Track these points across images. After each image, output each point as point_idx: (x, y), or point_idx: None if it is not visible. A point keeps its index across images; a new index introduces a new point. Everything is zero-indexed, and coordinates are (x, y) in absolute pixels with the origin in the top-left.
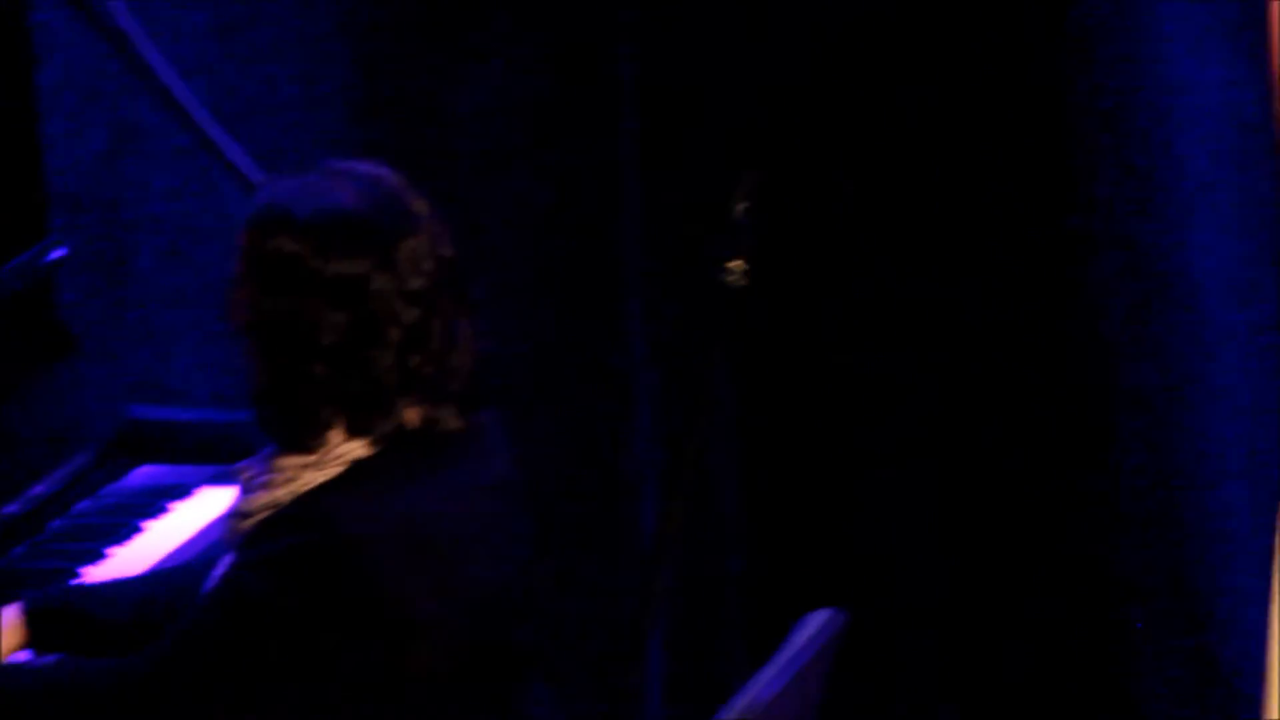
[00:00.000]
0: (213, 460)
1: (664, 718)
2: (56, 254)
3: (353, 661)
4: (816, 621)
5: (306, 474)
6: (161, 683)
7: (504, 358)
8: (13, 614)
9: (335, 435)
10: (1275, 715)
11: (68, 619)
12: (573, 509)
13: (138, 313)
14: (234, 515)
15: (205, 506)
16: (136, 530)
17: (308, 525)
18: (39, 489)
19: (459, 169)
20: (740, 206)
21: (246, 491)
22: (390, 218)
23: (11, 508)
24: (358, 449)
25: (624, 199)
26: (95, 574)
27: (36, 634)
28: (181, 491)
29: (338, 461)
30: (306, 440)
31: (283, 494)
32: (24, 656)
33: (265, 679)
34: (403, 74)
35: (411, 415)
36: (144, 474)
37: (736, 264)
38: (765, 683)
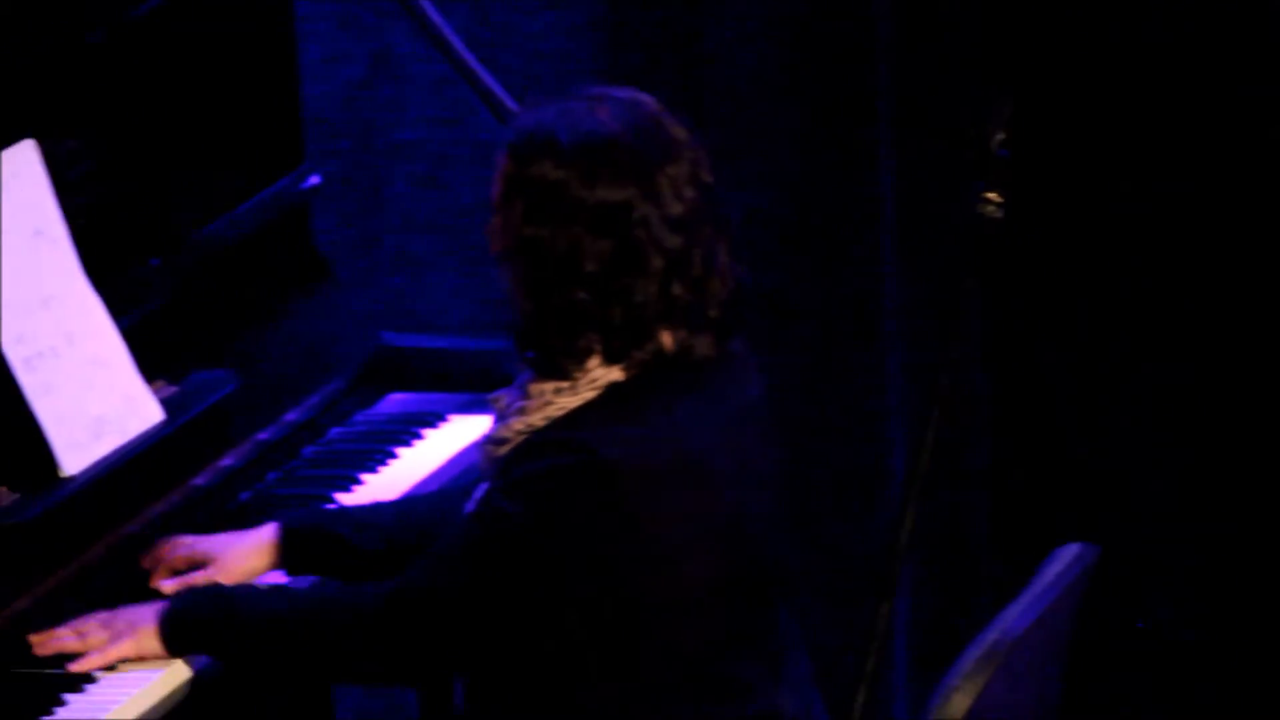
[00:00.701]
0: (464, 388)
1: (911, 653)
2: (312, 181)
3: (606, 584)
4: (1066, 556)
5: (561, 399)
6: (419, 606)
7: (757, 287)
8: (268, 534)
9: (591, 361)
10: None
11: (321, 541)
12: (820, 443)
13: (392, 239)
14: (489, 442)
15: (457, 434)
16: (389, 457)
17: (564, 449)
18: (293, 415)
19: (712, 97)
20: (997, 136)
21: (502, 418)
22: (652, 144)
23: (266, 434)
24: (613, 374)
25: (879, 128)
26: (348, 500)
27: (289, 555)
28: (433, 419)
29: (592, 386)
30: (565, 367)
31: (538, 419)
32: (277, 576)
33: (520, 601)
34: (656, 1)
35: (667, 341)
36: (396, 401)
37: (992, 196)
38: (1014, 618)
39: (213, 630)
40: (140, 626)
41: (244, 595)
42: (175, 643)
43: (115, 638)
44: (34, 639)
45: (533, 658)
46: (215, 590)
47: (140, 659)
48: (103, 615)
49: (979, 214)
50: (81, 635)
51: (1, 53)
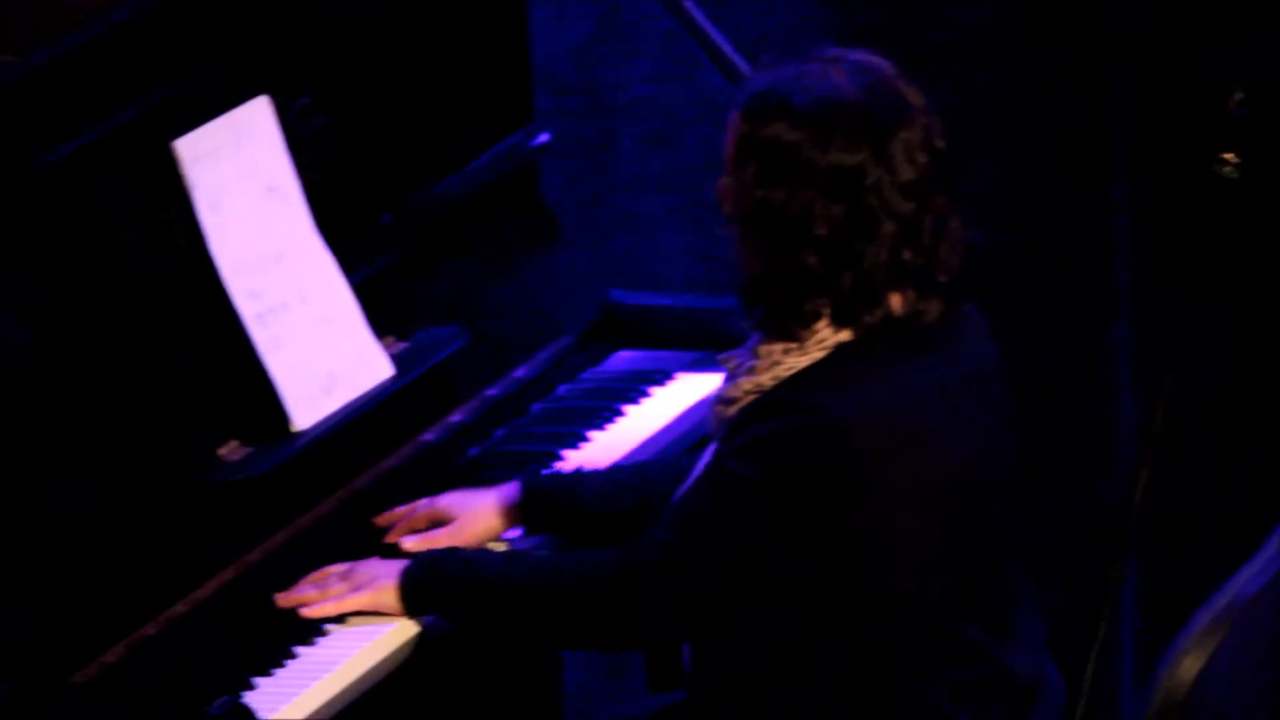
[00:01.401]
0: (691, 346)
1: (1137, 617)
2: (541, 139)
3: (838, 543)
4: None
5: (789, 359)
6: (655, 571)
7: (986, 252)
8: (510, 493)
9: (820, 323)
10: None
11: (561, 503)
12: (1049, 409)
13: (619, 197)
14: (718, 401)
15: (683, 392)
16: (617, 414)
17: (794, 409)
18: (521, 372)
19: (939, 59)
20: (1236, 95)
21: (732, 378)
22: (887, 108)
23: (494, 390)
24: (842, 335)
25: (1109, 88)
26: (574, 458)
27: (529, 515)
28: (660, 377)
29: (821, 346)
30: (794, 329)
31: (766, 379)
32: (515, 534)
33: (755, 563)
34: None
35: (897, 305)
36: (623, 358)
37: (1229, 156)
38: (1246, 580)
39: (453, 591)
40: (380, 581)
41: (483, 559)
42: (413, 600)
43: (354, 589)
44: (279, 596)
45: (763, 618)
46: (456, 552)
47: (375, 613)
48: (342, 567)
49: (1215, 174)
50: (321, 587)
51: (236, 12)
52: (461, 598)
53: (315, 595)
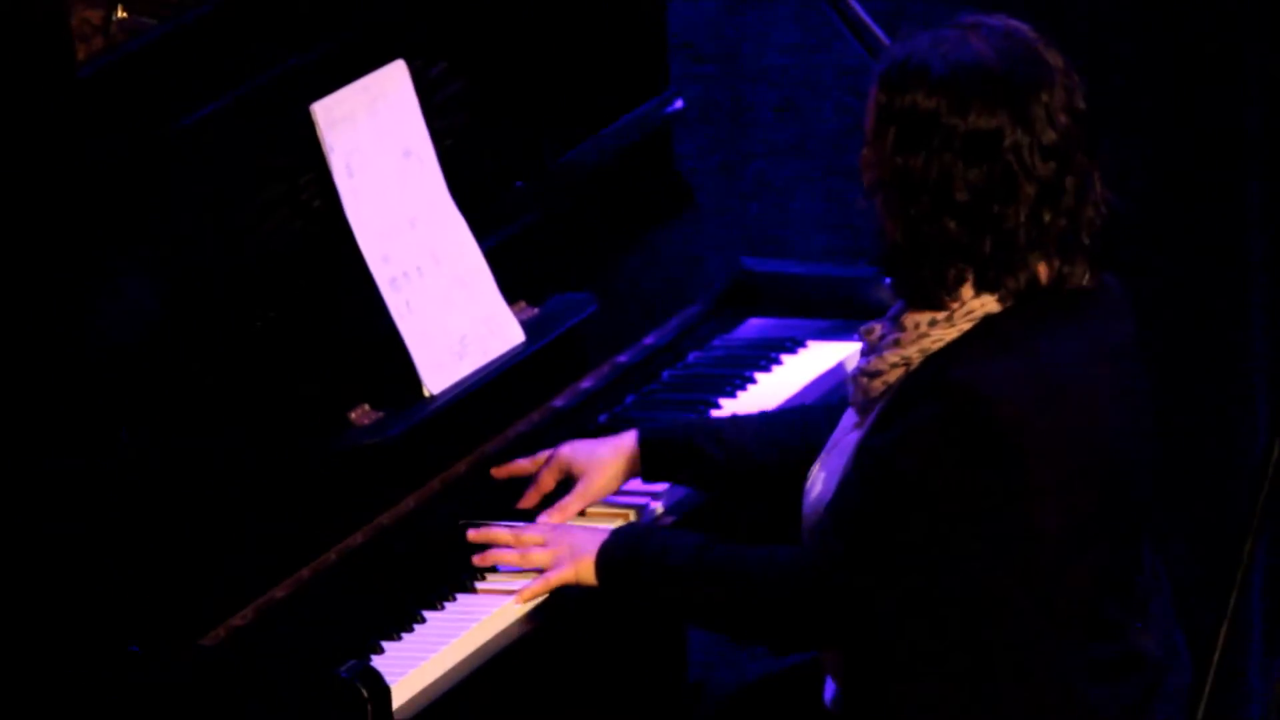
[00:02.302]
0: (822, 314)
1: (1267, 597)
2: (676, 105)
3: (996, 523)
4: None
5: (936, 331)
6: (839, 584)
7: (1129, 216)
8: (629, 440)
9: (965, 291)
10: None
11: (678, 450)
12: (1181, 383)
13: (754, 165)
14: (862, 374)
15: (815, 360)
16: (748, 381)
17: (946, 392)
18: (651, 339)
19: (1079, 27)
20: None
21: (874, 350)
22: (1025, 71)
23: (624, 357)
24: (988, 304)
25: (1246, 65)
26: None
27: (648, 463)
28: (792, 345)
29: (968, 318)
30: (937, 297)
31: (913, 351)
32: (635, 483)
33: (925, 554)
34: None
35: (1042, 270)
36: (754, 326)
37: None
38: None
39: (648, 574)
40: (581, 556)
41: (677, 544)
42: (609, 578)
43: (557, 563)
44: (473, 534)
45: (930, 605)
46: (652, 535)
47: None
48: (544, 531)
49: None
50: (523, 550)
51: None
52: (653, 582)
53: (516, 557)
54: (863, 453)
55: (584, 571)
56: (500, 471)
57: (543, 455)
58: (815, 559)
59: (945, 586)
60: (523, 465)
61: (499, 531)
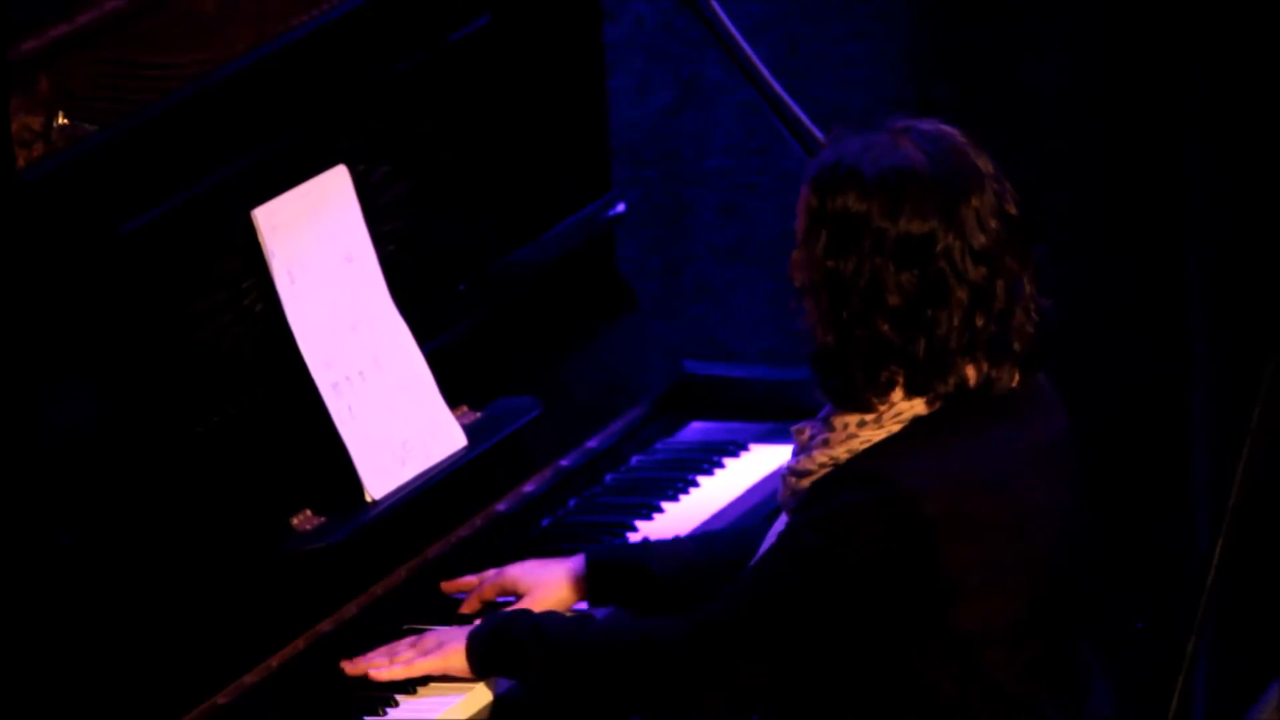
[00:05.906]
0: (765, 417)
1: (1210, 686)
2: (618, 208)
3: (907, 617)
4: None
5: (865, 432)
6: (722, 639)
7: (1061, 318)
8: (577, 565)
9: (895, 394)
10: None
11: (626, 574)
12: (1124, 475)
13: (695, 267)
14: (791, 473)
15: (757, 463)
16: (691, 485)
17: (867, 482)
18: (594, 442)
19: (1020, 129)
20: None
21: (804, 450)
22: (956, 176)
23: (567, 460)
24: (917, 407)
25: (1190, 168)
26: (647, 529)
27: (594, 586)
28: (734, 448)
29: (896, 419)
30: (867, 400)
31: (841, 451)
32: (580, 607)
33: (822, 634)
34: (965, 31)
35: (970, 373)
36: (697, 429)
37: None
38: None
39: (520, 654)
40: (449, 645)
41: (550, 622)
42: (482, 663)
43: (422, 654)
44: (345, 664)
45: (830, 690)
46: (523, 615)
47: (444, 677)
48: (412, 638)
49: None
50: (391, 654)
51: (315, 81)
52: (529, 661)
53: (384, 661)
54: (779, 535)
55: (453, 659)
56: (449, 586)
57: (492, 572)
58: (703, 621)
59: (838, 667)
60: (471, 581)
61: (372, 656)
